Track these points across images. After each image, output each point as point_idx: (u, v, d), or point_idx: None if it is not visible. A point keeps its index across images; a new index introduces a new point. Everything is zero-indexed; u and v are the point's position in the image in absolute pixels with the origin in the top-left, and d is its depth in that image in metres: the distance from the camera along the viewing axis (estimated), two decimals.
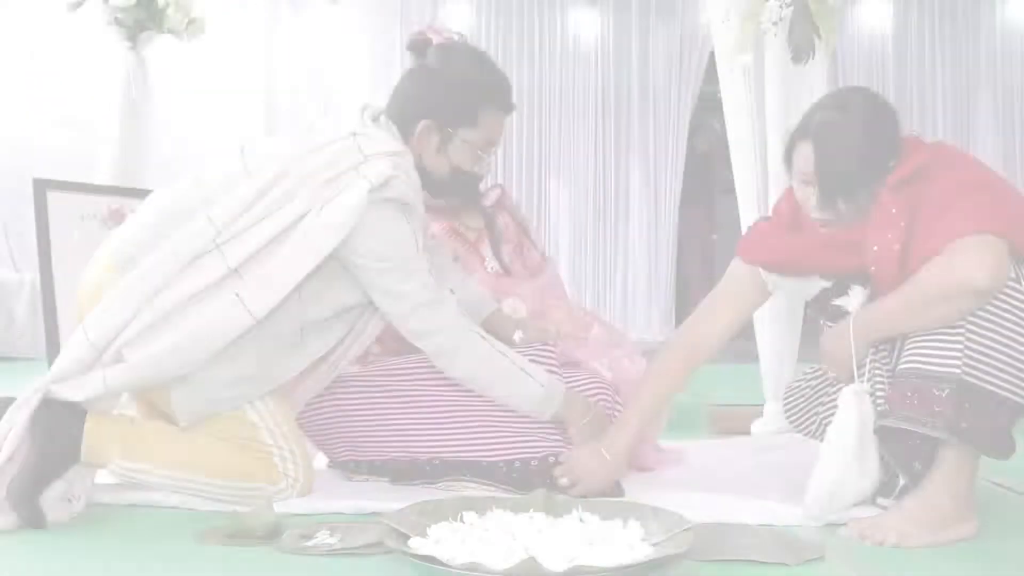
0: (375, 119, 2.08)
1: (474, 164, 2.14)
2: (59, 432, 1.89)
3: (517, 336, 2.26)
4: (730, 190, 3.29)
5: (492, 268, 2.50)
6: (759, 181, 3.08)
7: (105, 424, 1.94)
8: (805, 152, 1.93)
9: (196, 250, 1.90)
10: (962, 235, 1.73)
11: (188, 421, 1.98)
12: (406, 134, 2.08)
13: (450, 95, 2.06)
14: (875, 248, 1.86)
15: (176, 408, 1.97)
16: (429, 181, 2.13)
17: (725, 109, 3.20)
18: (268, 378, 2.02)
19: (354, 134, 1.98)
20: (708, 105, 8.09)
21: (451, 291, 2.05)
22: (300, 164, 1.96)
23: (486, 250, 2.53)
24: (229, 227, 1.91)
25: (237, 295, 1.89)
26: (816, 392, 2.18)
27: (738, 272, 2.17)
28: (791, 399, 2.25)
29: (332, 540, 1.73)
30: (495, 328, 2.32)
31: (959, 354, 1.74)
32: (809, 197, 1.96)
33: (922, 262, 1.77)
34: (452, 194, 2.24)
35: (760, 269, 2.12)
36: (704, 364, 2.21)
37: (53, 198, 3.40)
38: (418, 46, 2.12)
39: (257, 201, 1.93)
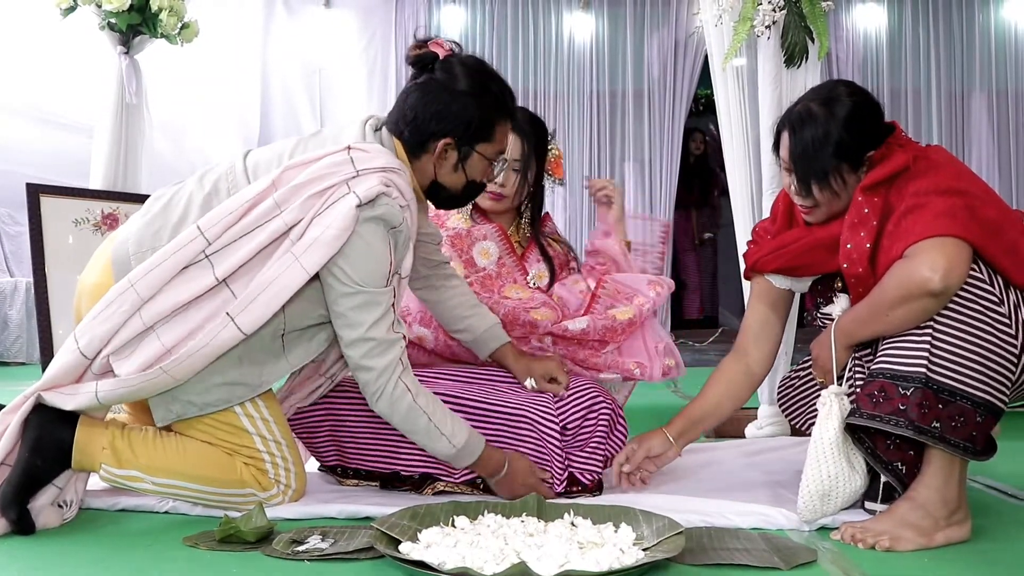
0: (376, 131, 2.06)
1: (486, 175, 2.13)
2: (49, 438, 1.89)
3: (529, 384, 2.26)
4: (724, 192, 3.29)
5: (534, 284, 2.49)
6: (753, 183, 3.09)
7: (96, 431, 1.94)
8: (785, 140, 1.99)
9: (186, 260, 1.89)
10: (924, 238, 1.75)
11: (163, 422, 1.98)
12: (417, 151, 2.05)
13: (469, 113, 2.02)
14: (848, 246, 1.90)
15: (152, 409, 1.97)
16: (442, 196, 2.12)
17: (719, 112, 3.21)
18: (247, 386, 2.01)
19: (349, 148, 1.96)
20: (703, 108, 8.12)
21: (403, 336, 2.02)
22: (292, 174, 1.95)
23: (530, 265, 2.52)
24: (219, 238, 1.90)
25: (228, 314, 1.88)
26: (805, 383, 2.23)
27: (757, 291, 2.22)
28: (784, 391, 2.31)
29: (323, 545, 1.73)
30: (503, 362, 2.31)
31: (926, 353, 1.76)
32: (790, 185, 2.01)
33: (889, 263, 1.81)
34: (458, 206, 2.24)
35: (769, 278, 2.16)
36: (769, 368, 2.26)
37: (47, 203, 3.40)
38: (423, 60, 2.07)
39: (248, 212, 1.92)
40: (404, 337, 2.00)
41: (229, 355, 1.94)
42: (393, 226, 1.95)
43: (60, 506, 1.93)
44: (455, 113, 2.01)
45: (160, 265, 1.88)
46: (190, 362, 1.88)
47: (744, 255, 2.25)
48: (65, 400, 1.89)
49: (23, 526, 1.84)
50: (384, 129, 2.07)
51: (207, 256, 1.89)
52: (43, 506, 1.89)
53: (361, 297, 1.92)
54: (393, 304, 1.98)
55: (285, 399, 2.22)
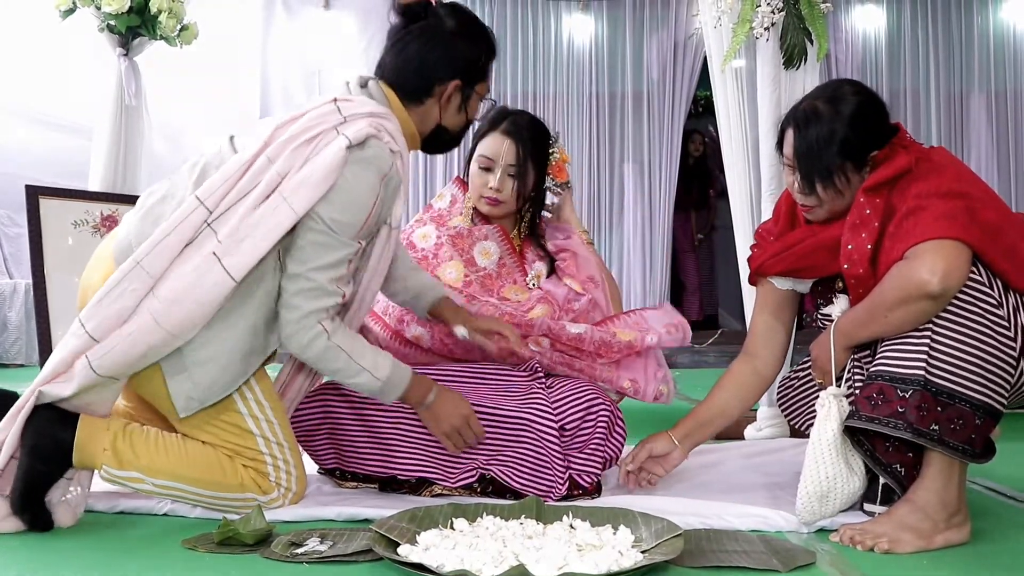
0: (363, 86, 2.09)
1: (477, 113, 2.20)
2: (49, 441, 1.88)
3: (459, 332, 2.26)
4: (724, 194, 3.30)
5: (533, 284, 2.49)
6: (752, 184, 3.09)
7: (96, 431, 1.93)
8: (790, 137, 2.00)
9: (190, 231, 1.89)
10: (924, 240, 1.76)
11: (188, 410, 1.96)
12: (422, 96, 2.09)
13: (471, 54, 2.10)
14: (849, 247, 1.90)
15: (175, 399, 1.95)
16: (444, 139, 2.17)
17: (718, 113, 3.21)
18: (258, 353, 2.01)
19: (335, 99, 2.00)
20: (702, 109, 8.13)
21: (344, 294, 2.01)
22: (282, 131, 1.97)
23: (530, 265, 2.52)
24: (219, 205, 1.91)
25: (214, 254, 1.88)
26: (804, 384, 2.24)
27: (762, 294, 2.22)
28: (784, 392, 2.32)
29: (322, 547, 1.73)
30: (442, 315, 2.31)
31: (924, 356, 1.76)
32: (793, 183, 2.02)
33: (890, 265, 1.81)
34: (452, 148, 2.26)
35: (772, 280, 2.17)
36: (768, 386, 2.28)
37: (46, 205, 3.40)
38: (414, 9, 2.10)
39: (244, 174, 1.93)
40: (344, 296, 2.00)
41: (237, 327, 1.94)
42: (384, 173, 1.96)
43: (67, 503, 1.92)
44: (460, 56, 2.09)
45: (164, 240, 1.88)
46: (182, 310, 1.86)
47: (748, 260, 2.25)
48: (63, 387, 1.87)
49: (41, 524, 1.85)
50: (371, 83, 2.10)
51: (209, 225, 1.90)
52: (58, 501, 1.89)
53: (323, 237, 1.93)
54: (351, 261, 1.98)
55: (287, 388, 2.23)
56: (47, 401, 1.89)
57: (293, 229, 1.93)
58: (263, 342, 2.01)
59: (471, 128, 2.27)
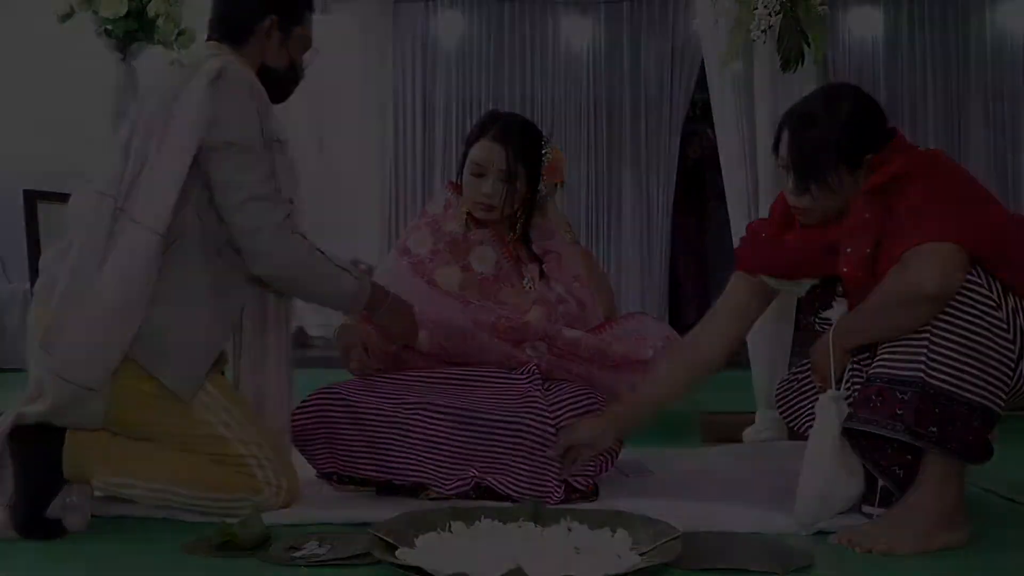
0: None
1: (301, 59, 2.25)
2: (38, 455, 1.88)
3: None
4: (721, 196, 3.29)
5: (529, 286, 2.49)
6: (749, 187, 3.09)
7: (86, 440, 1.92)
8: (786, 138, 2.00)
9: (104, 225, 1.91)
10: (921, 243, 1.76)
11: (191, 392, 1.95)
12: (245, 36, 2.14)
13: None
14: (848, 251, 1.90)
15: (174, 388, 1.94)
16: (271, 79, 2.19)
17: (715, 116, 3.21)
18: (233, 306, 2.04)
19: (173, 61, 2.08)
20: (700, 112, 8.12)
21: (291, 200, 2.03)
22: (145, 105, 2.02)
23: (526, 269, 2.52)
24: (119, 187, 1.93)
25: (131, 219, 1.89)
26: (803, 385, 2.23)
27: (738, 284, 2.20)
28: (782, 393, 2.30)
29: (321, 551, 1.72)
30: None
31: (923, 358, 1.76)
32: (788, 183, 2.01)
33: (888, 268, 1.81)
34: (288, 92, 2.29)
35: (761, 277, 2.15)
36: (709, 375, 2.24)
37: (43, 209, 3.41)
38: None
39: (127, 154, 1.96)
40: (291, 202, 2.02)
41: (196, 292, 1.96)
42: (249, 84, 2.01)
43: (66, 508, 1.92)
44: None
45: (84, 247, 1.90)
46: (117, 278, 1.87)
47: (736, 251, 2.23)
48: (40, 403, 1.88)
49: (50, 535, 1.86)
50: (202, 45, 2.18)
51: (123, 210, 1.92)
52: (64, 508, 1.89)
53: (242, 156, 1.96)
54: (275, 173, 2.00)
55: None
56: (32, 421, 1.89)
57: (207, 188, 1.96)
58: (228, 296, 2.02)
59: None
